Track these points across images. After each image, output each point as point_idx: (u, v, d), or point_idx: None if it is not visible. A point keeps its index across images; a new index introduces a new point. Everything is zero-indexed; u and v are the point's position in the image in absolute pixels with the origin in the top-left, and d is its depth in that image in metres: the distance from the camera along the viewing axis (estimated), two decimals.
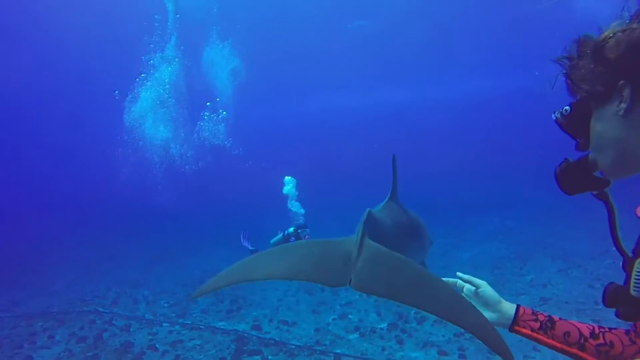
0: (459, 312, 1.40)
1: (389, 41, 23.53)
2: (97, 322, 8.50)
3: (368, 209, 1.97)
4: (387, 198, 2.70)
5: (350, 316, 8.02)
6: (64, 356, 6.86)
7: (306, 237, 6.47)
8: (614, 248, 1.30)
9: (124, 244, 17.63)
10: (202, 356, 6.57)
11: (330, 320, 7.82)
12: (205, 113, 16.90)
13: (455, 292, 1.54)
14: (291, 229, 6.58)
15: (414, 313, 7.94)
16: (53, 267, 13.53)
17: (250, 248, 7.08)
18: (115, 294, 10.60)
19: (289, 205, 7.89)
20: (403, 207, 2.81)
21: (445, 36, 23.07)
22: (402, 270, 1.55)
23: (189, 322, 8.21)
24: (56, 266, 13.71)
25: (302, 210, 7.77)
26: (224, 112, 16.94)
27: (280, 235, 6.68)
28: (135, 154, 17.40)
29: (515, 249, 12.31)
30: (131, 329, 7.93)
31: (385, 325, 7.47)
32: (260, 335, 7.24)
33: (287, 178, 8.39)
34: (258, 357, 6.41)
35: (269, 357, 6.40)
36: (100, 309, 9.33)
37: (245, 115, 23.23)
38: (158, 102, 15.46)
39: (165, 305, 9.49)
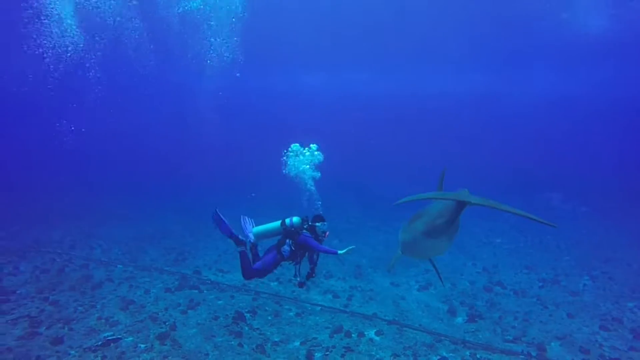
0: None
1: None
2: (57, 260, 9.87)
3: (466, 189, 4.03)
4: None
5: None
6: (31, 281, 8.28)
7: (326, 233, 5.16)
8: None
9: (77, 201, 18.45)
10: (151, 287, 8.34)
11: None
12: None
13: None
14: (296, 219, 5.17)
15: (325, 272, 10.21)
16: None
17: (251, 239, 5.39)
18: (71, 240, 11.87)
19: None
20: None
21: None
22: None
23: (141, 265, 9.86)
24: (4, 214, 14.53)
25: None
26: None
27: (278, 223, 5.23)
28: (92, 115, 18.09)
29: None
30: (89, 267, 9.44)
31: None
32: (200, 277, 9.11)
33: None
34: (196, 291, 8.30)
35: (205, 291, 8.31)
36: (58, 251, 10.64)
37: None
38: None
39: (119, 252, 11.00)
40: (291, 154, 6.79)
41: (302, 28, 20.87)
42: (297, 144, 5.98)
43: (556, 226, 3.36)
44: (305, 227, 5.12)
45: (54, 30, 13.18)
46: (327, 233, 5.17)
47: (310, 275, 5.15)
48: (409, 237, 5.10)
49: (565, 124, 37.64)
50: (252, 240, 5.32)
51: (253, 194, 18.43)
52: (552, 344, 6.79)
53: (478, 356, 6.29)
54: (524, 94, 32.74)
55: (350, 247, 4.67)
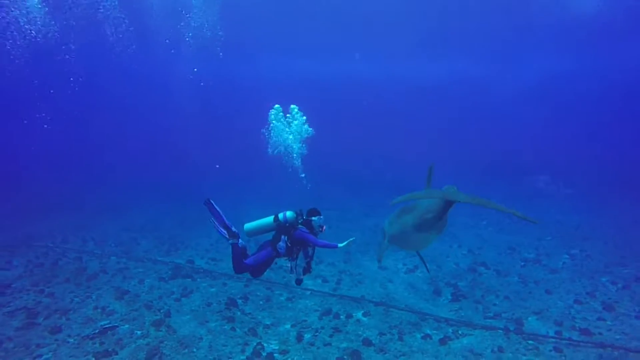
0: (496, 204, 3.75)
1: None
2: (50, 254, 9.98)
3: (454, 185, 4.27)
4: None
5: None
6: (25, 275, 8.42)
7: (323, 227, 4.97)
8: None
9: (65, 196, 18.42)
10: (145, 277, 8.53)
11: None
12: None
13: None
14: (290, 213, 4.90)
15: (315, 258, 10.48)
16: None
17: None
18: (63, 234, 11.95)
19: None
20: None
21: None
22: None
23: (134, 256, 10.03)
24: None
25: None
26: None
27: (270, 219, 4.95)
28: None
29: None
30: (83, 259, 9.59)
31: None
32: (193, 266, 9.33)
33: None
34: (189, 279, 8.53)
35: (198, 279, 8.55)
36: (50, 244, 10.74)
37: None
38: None
39: (112, 244, 11.14)
40: (274, 123, 6.49)
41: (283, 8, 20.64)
42: (278, 105, 5.82)
43: (537, 222, 3.67)
44: (300, 221, 4.86)
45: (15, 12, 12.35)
46: (324, 227, 4.96)
47: (306, 270, 4.95)
48: (398, 231, 5.31)
49: (553, 107, 38.22)
50: (241, 245, 4.98)
51: (217, 166, 18.41)
52: (530, 318, 7.19)
53: (460, 332, 6.65)
54: (511, 78, 33.03)
55: (351, 239, 4.51)
